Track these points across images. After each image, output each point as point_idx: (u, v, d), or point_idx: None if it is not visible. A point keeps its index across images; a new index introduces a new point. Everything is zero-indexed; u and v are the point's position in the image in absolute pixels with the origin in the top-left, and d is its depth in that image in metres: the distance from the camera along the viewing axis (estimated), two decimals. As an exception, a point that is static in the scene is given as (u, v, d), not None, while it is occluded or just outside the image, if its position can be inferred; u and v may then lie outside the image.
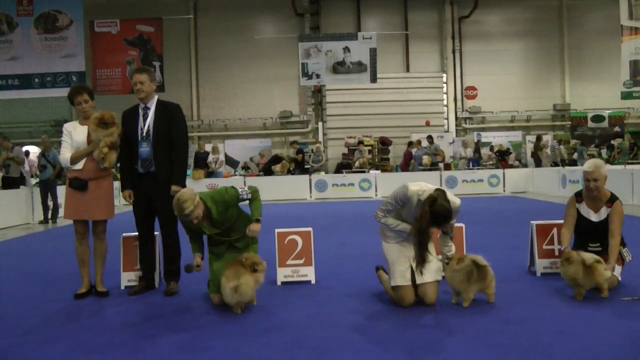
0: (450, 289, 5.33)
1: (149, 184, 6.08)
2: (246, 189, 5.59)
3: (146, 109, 6.16)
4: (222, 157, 22.94)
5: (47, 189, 15.41)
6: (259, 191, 5.69)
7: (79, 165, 6.04)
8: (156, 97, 6.24)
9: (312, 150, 24.88)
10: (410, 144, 24.18)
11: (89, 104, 6.17)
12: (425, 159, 22.26)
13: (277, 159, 23.58)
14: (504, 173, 21.83)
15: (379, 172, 22.65)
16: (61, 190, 15.63)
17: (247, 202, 5.60)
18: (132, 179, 6.16)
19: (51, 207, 15.61)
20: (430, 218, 4.84)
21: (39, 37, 21.72)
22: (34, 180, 18.34)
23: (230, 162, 26.38)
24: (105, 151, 5.96)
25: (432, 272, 5.22)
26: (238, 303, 5.17)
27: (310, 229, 6.54)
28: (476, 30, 28.01)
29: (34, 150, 23.49)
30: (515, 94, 27.83)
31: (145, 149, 6.06)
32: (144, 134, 6.08)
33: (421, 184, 5.15)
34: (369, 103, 26.92)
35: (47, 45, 21.71)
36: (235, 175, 23.61)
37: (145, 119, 6.12)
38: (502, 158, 23.91)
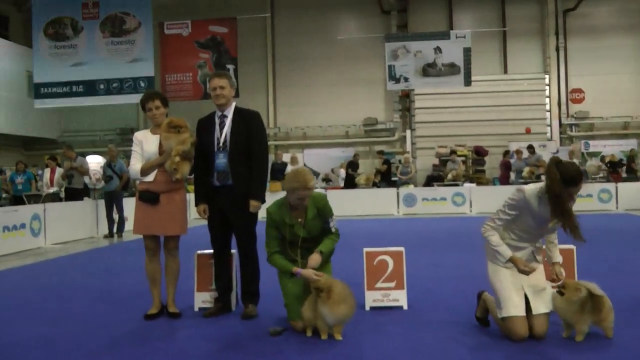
0: (559, 319, 5.11)
1: (225, 198, 6.11)
2: (335, 222, 5.65)
3: (223, 117, 6.20)
4: (301, 168, 23.11)
5: (112, 201, 15.83)
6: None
7: (150, 177, 6.15)
8: (234, 104, 6.29)
9: (399, 160, 24.75)
10: (506, 153, 23.65)
11: (160, 111, 6.28)
12: (526, 171, 21.72)
13: (353, 164, 23.58)
14: (616, 187, 21.00)
15: (473, 185, 22.29)
16: (128, 203, 16.08)
17: (327, 234, 5.64)
18: (207, 192, 6.21)
19: (116, 220, 16.03)
20: (560, 178, 4.76)
21: (104, 41, 22.40)
22: (98, 185, 18.94)
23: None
24: (177, 160, 6.02)
25: (546, 302, 5.06)
26: (337, 326, 5.16)
27: (402, 248, 6.42)
28: (583, 24, 27.17)
29: (97, 160, 24.34)
30: (629, 96, 26.78)
31: (221, 160, 6.10)
32: (221, 145, 6.11)
33: (537, 183, 5.06)
34: (462, 109, 26.62)
35: (113, 49, 22.36)
36: (316, 187, 23.65)
37: (222, 128, 6.16)
38: (614, 170, 23.02)
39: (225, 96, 6.15)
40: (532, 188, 5.01)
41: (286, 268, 5.50)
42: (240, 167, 6.08)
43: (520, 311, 4.97)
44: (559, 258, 5.28)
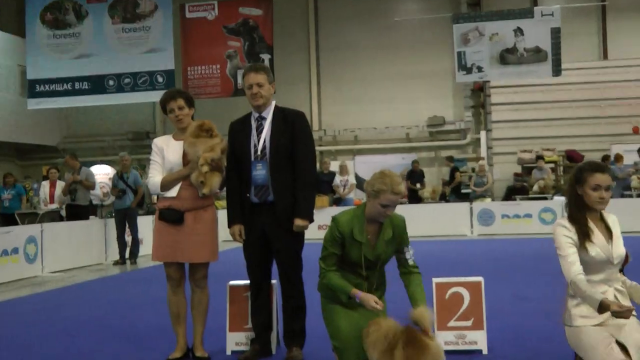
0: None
1: (265, 217, 6.14)
2: (413, 252, 5.63)
3: (261, 119, 6.24)
4: (352, 179, 23.09)
5: (125, 220, 16.03)
6: None
7: (173, 192, 6.23)
8: (274, 103, 6.33)
9: (472, 169, 24.58)
10: (605, 158, 23.29)
11: (184, 112, 6.35)
12: (636, 181, 21.38)
13: (414, 175, 23.53)
14: None
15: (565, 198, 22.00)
16: (143, 222, 16.25)
17: (403, 271, 5.60)
18: (243, 210, 6.24)
19: (129, 243, 16.21)
20: (582, 166, 5.16)
21: (114, 28, 22.57)
22: (107, 200, 19.14)
23: (362, 185, 26.52)
24: (206, 170, 6.07)
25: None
26: None
27: (480, 279, 6.39)
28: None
29: (106, 171, 24.69)
30: None
31: (260, 171, 6.13)
32: (259, 152, 6.15)
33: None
34: (550, 104, 26.37)
35: (125, 37, 22.54)
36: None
37: (259, 133, 6.20)
38: None
39: (264, 96, 6.19)
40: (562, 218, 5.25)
41: (344, 288, 5.41)
42: (283, 179, 6.11)
43: (623, 356, 4.89)
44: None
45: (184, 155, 6.22)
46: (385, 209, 5.33)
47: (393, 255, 5.58)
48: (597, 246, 5.02)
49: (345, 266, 5.55)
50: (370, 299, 5.28)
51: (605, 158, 23.24)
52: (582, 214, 5.11)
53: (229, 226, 6.30)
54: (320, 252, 5.54)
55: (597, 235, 5.06)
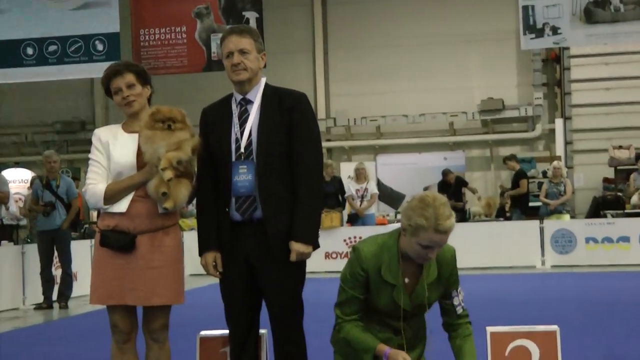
0: None
1: (250, 242, 6.10)
2: (462, 296, 5.69)
3: (246, 102, 6.21)
4: (373, 188, 23.06)
5: (52, 246, 16.03)
6: None
7: (122, 207, 6.15)
8: (263, 81, 6.30)
9: (544, 172, 24.61)
10: None
11: (136, 92, 6.29)
12: None
13: (447, 186, 23.57)
14: None
15: (680, 214, 22.05)
16: (79, 250, 16.22)
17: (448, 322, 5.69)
18: (220, 231, 6.21)
19: (58, 279, 16.20)
20: None
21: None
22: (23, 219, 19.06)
23: (388, 195, 26.64)
24: (169, 177, 5.97)
25: None
26: None
27: (555, 327, 6.37)
28: None
29: (23, 177, 24.67)
30: None
31: (244, 176, 6.07)
32: (243, 150, 6.11)
33: None
34: (657, 80, 26.44)
35: (49, -12, 22.76)
36: (399, 220, 23.63)
37: (243, 123, 6.17)
38: None
39: (249, 68, 6.12)
40: None
41: (367, 345, 5.46)
42: (276, 188, 6.06)
43: None
44: None
45: (139, 153, 6.15)
46: (427, 250, 5.36)
47: (439, 299, 5.65)
48: None
49: (372, 315, 5.60)
50: (400, 358, 5.33)
51: None
52: None
53: (200, 254, 6.26)
54: (334, 294, 5.58)
55: None
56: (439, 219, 5.21)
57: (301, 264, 6.10)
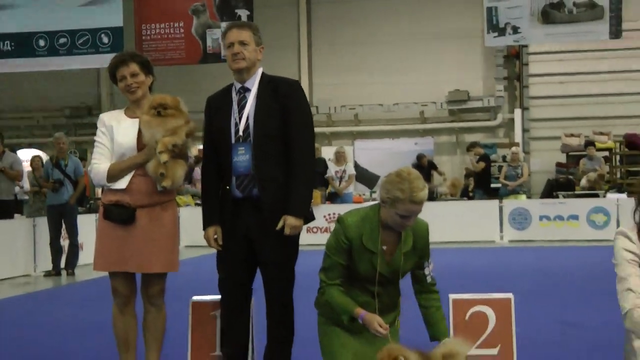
0: None
1: (249, 217, 6.09)
2: (433, 266, 5.69)
3: (244, 90, 6.19)
4: (351, 170, 23.06)
5: (61, 219, 15.97)
6: None
7: (122, 184, 6.15)
8: (260, 71, 6.27)
9: (504, 157, 24.62)
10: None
11: (139, 80, 6.28)
12: None
13: (420, 170, 23.52)
14: None
15: (623, 196, 22.04)
16: (85, 223, 16.18)
17: (419, 290, 5.69)
18: (221, 208, 6.21)
19: (66, 249, 16.17)
20: None
21: (44, -30, 22.56)
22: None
23: (364, 177, 26.63)
24: (165, 160, 5.98)
25: None
26: None
27: (510, 295, 6.39)
28: None
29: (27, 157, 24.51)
30: None
31: (242, 157, 6.06)
32: (241, 133, 6.09)
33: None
34: (606, 75, 26.49)
35: (59, -16, 22.58)
36: (374, 199, 23.65)
37: (242, 109, 6.14)
38: None
39: (247, 57, 6.10)
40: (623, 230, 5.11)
41: (346, 307, 5.47)
42: (272, 168, 6.05)
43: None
44: None
45: (139, 137, 6.15)
46: (404, 219, 5.36)
47: (412, 268, 5.65)
48: None
49: (353, 280, 5.60)
50: (374, 321, 5.33)
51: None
52: None
53: (204, 228, 6.22)
54: (316, 265, 5.57)
55: None
56: (413, 191, 5.24)
57: (295, 238, 6.07)
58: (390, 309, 5.70)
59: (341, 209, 20.20)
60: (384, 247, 5.50)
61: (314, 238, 17.90)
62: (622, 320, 4.96)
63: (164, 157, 5.96)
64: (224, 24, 20.80)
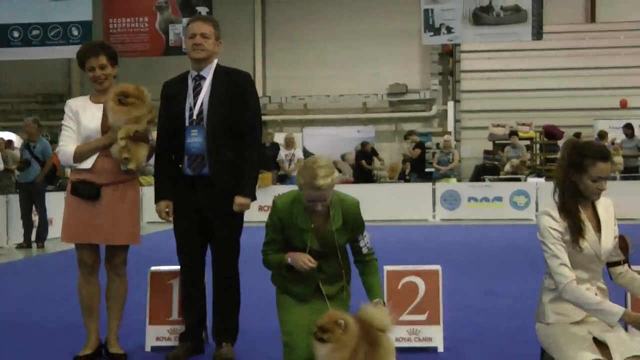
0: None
1: (200, 193, 6.13)
2: (368, 237, 5.68)
3: (200, 78, 6.21)
4: (299, 154, 23.04)
5: (30, 196, 15.84)
6: None
7: (88, 164, 6.11)
8: (215, 62, 6.29)
9: (437, 144, 24.72)
10: (577, 135, 23.52)
11: (107, 72, 6.24)
12: (618, 160, 21.65)
13: (365, 156, 23.58)
14: None
15: (542, 180, 22.24)
16: (53, 199, 16.05)
17: (357, 260, 5.69)
18: (174, 185, 6.23)
19: (36, 223, 16.05)
20: (581, 150, 4.97)
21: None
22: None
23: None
24: (123, 145, 5.94)
25: (632, 342, 5.04)
26: None
27: (438, 267, 6.48)
28: None
29: (8, 139, 24.25)
30: None
31: (195, 139, 6.10)
32: (195, 117, 6.13)
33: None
34: (528, 73, 26.63)
35: (31, -21, 22.28)
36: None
37: (197, 95, 6.17)
38: None
39: (207, 49, 6.14)
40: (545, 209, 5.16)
41: (280, 261, 5.51)
42: (222, 150, 6.09)
43: (597, 355, 4.98)
44: None
45: (104, 121, 6.11)
46: (311, 203, 5.34)
47: (348, 242, 5.64)
48: (588, 242, 5.01)
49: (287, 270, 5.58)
50: (300, 259, 5.35)
51: (578, 135, 23.57)
52: (574, 204, 5.05)
53: (156, 202, 6.26)
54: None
55: (588, 228, 5.04)
56: (313, 179, 5.17)
57: (241, 214, 6.19)
58: (335, 279, 5.67)
59: (290, 189, 20.22)
60: (314, 225, 5.46)
61: (265, 216, 17.77)
62: (561, 293, 5.00)
63: (123, 143, 5.95)
64: (185, 20, 20.70)
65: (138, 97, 6.05)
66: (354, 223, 5.56)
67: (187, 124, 6.12)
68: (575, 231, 4.98)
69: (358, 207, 5.60)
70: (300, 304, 5.57)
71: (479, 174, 24.00)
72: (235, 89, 6.18)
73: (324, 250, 5.53)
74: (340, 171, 25.28)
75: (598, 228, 5.08)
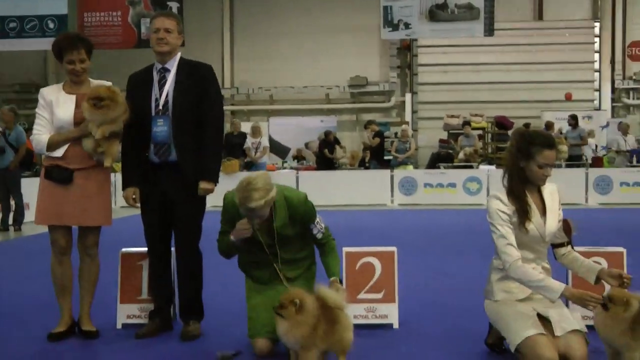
0: (602, 344, 5.17)
1: (166, 179, 6.12)
2: (321, 222, 5.68)
3: (164, 70, 6.19)
4: (265, 142, 22.99)
5: (6, 182, 15.68)
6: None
7: (59, 152, 6.07)
8: (179, 55, 6.29)
9: (395, 134, 24.76)
10: (526, 125, 23.61)
11: (85, 65, 6.18)
12: (563, 149, 21.81)
13: (328, 145, 23.56)
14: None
15: (493, 167, 22.35)
16: (30, 185, 15.89)
17: (315, 243, 5.73)
18: (140, 171, 6.20)
19: (13, 208, 15.89)
20: (529, 138, 5.14)
21: (-6, -40, 22.05)
22: None
23: (277, 148, 26.55)
24: (102, 150, 5.95)
25: (577, 319, 5.11)
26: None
27: (393, 248, 6.51)
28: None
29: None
30: None
31: (161, 127, 6.08)
32: (161, 107, 6.11)
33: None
34: (481, 67, 26.78)
35: (8, -27, 22.05)
36: (285, 168, 23.68)
37: (162, 86, 6.15)
38: (684, 152, 23.29)
39: (170, 43, 6.13)
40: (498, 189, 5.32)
41: (226, 241, 5.62)
42: (187, 138, 6.09)
43: (540, 329, 5.04)
44: (599, 265, 5.33)
45: (77, 112, 6.05)
46: (248, 216, 5.38)
47: (300, 232, 5.64)
48: (534, 224, 5.14)
49: (250, 245, 5.61)
50: (237, 230, 5.45)
51: (527, 125, 23.69)
52: (522, 189, 5.18)
53: (123, 188, 6.25)
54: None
55: (534, 211, 5.17)
56: (246, 201, 5.20)
57: (204, 198, 6.20)
58: (296, 263, 5.72)
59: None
60: (257, 222, 5.47)
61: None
62: (507, 271, 5.09)
63: (100, 148, 5.97)
64: (157, 14, 20.56)
65: (111, 98, 5.94)
66: (301, 218, 5.58)
67: (153, 113, 6.11)
68: (522, 214, 5.10)
69: (304, 203, 5.60)
70: (261, 286, 5.65)
71: (434, 162, 24.05)
72: (198, 80, 6.18)
73: (273, 242, 5.58)
74: (304, 158, 25.33)
75: (543, 211, 5.21)
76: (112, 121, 5.94)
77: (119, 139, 6.13)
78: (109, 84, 6.27)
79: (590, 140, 23.82)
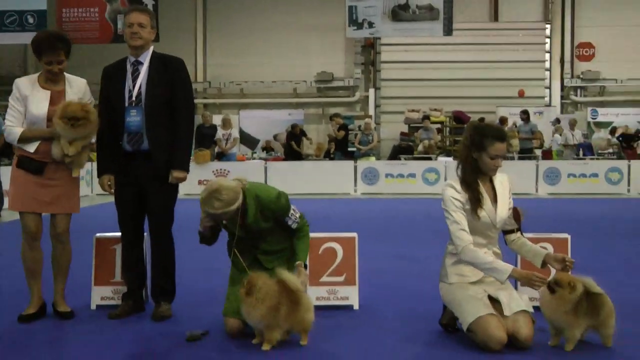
0: (546, 324, 5.23)
1: (138, 167, 6.11)
2: (296, 213, 5.67)
3: (137, 63, 6.16)
4: (235, 134, 22.92)
5: None
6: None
7: (31, 148, 6.01)
8: (152, 49, 6.27)
9: (359, 127, 24.76)
10: (481, 120, 23.80)
11: (63, 66, 6.11)
12: (515, 143, 21.97)
13: (295, 137, 23.56)
14: (629, 166, 21.43)
15: (450, 159, 22.44)
16: (7, 173, 15.75)
17: (291, 231, 5.71)
18: (114, 160, 6.18)
19: None
20: (481, 131, 5.24)
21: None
22: None
23: (247, 140, 26.48)
24: (72, 153, 5.93)
25: (525, 300, 5.20)
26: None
27: (354, 234, 6.53)
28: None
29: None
30: (651, 54, 27.31)
31: (134, 118, 6.06)
32: (134, 99, 6.08)
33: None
34: (440, 64, 26.85)
35: (-13, -31, 21.85)
36: (254, 158, 23.62)
37: (135, 78, 6.13)
38: (627, 145, 23.49)
39: (144, 37, 6.11)
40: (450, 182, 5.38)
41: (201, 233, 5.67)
42: (159, 128, 6.09)
43: (490, 310, 5.10)
44: (545, 250, 5.43)
45: (50, 108, 6.00)
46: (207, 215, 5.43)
47: (274, 225, 5.63)
48: (485, 211, 5.22)
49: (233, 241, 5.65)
50: (200, 225, 5.55)
51: (482, 120, 23.82)
52: (474, 179, 5.25)
53: (99, 176, 6.25)
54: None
55: (486, 199, 5.25)
56: (206, 206, 5.27)
57: (176, 186, 6.21)
58: (276, 253, 5.73)
59: (227, 165, 20.32)
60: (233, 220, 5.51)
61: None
62: (459, 254, 5.18)
63: (70, 159, 6.00)
64: (131, 10, 20.45)
65: (86, 118, 5.90)
66: (273, 214, 5.57)
67: (126, 104, 6.09)
68: (475, 202, 5.18)
69: (274, 202, 5.56)
70: (240, 273, 5.61)
71: (395, 154, 24.13)
72: (169, 72, 6.17)
73: (252, 235, 5.60)
74: (272, 150, 25.30)
75: (495, 200, 5.30)
76: (85, 137, 5.97)
77: (87, 151, 6.15)
78: (84, 81, 6.27)
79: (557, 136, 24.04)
